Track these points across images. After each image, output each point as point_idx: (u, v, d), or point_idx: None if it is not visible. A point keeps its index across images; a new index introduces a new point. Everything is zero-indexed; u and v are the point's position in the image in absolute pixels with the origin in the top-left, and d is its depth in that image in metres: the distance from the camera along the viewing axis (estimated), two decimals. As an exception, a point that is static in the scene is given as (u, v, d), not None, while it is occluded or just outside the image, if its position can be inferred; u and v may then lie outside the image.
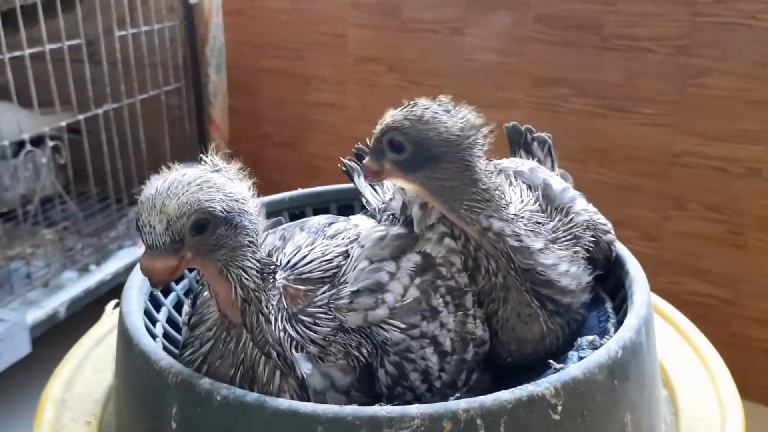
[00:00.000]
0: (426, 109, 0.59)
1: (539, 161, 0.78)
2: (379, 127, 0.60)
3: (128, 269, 1.77)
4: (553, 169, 0.78)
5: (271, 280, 0.53)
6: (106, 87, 1.78)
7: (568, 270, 0.62)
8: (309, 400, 0.53)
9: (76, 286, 1.67)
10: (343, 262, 0.58)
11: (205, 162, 0.53)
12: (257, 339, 0.52)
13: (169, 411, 0.51)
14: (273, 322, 0.52)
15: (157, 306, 0.67)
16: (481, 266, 0.61)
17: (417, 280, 0.58)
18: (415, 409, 0.46)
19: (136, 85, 1.86)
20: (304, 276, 0.57)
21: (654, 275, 1.79)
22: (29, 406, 1.61)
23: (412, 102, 0.60)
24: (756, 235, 1.66)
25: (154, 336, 0.62)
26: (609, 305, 0.65)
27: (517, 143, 0.80)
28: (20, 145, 1.65)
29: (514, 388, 0.48)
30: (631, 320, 0.56)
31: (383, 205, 0.66)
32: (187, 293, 0.71)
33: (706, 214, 1.71)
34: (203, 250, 0.49)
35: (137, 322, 0.57)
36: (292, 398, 0.52)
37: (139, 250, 1.84)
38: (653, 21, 1.66)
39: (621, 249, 0.69)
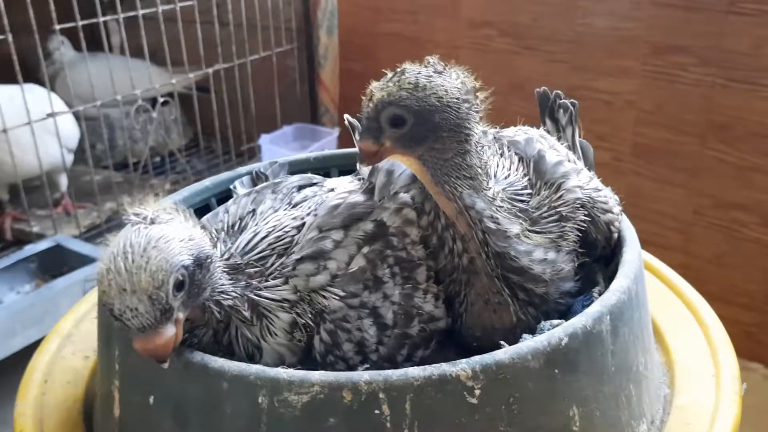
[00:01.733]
0: (418, 74, 0.54)
1: (562, 129, 0.72)
2: (370, 105, 0.55)
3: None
4: (573, 137, 0.72)
5: (240, 284, 0.53)
6: (215, 48, 1.86)
7: (544, 257, 0.57)
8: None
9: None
10: (297, 234, 0.57)
11: (134, 219, 0.51)
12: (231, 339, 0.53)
13: (114, 352, 0.53)
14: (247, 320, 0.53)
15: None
16: (445, 245, 0.57)
17: (365, 249, 0.56)
18: (316, 375, 0.45)
19: (247, 46, 1.93)
20: (258, 254, 0.56)
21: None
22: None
23: (399, 70, 0.56)
24: None
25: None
26: (597, 290, 0.59)
27: (545, 108, 0.74)
28: (152, 102, 1.79)
29: (426, 366, 0.45)
30: (593, 307, 0.51)
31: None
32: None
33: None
34: (189, 303, 0.48)
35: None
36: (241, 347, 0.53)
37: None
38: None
39: (626, 229, 0.62)
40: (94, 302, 0.76)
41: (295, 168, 0.82)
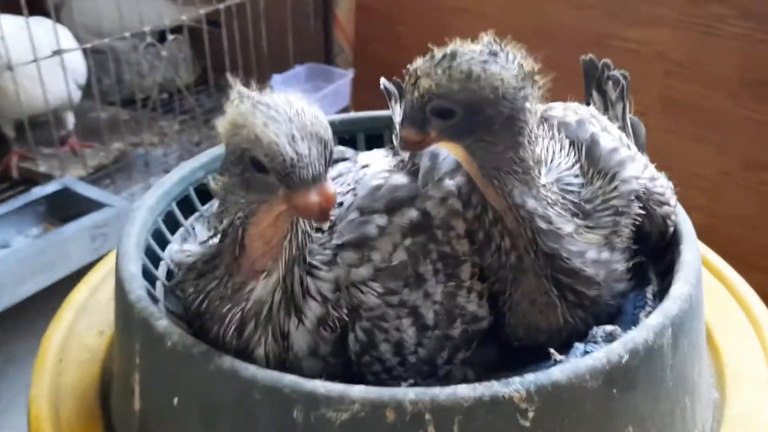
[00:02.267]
0: (470, 60, 0.48)
1: (611, 104, 0.66)
2: (415, 93, 0.49)
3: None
4: (624, 115, 0.66)
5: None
6: None
7: (597, 258, 0.52)
8: (287, 360, 0.49)
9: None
10: (335, 211, 0.52)
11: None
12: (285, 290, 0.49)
13: (134, 346, 0.50)
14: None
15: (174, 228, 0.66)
16: (492, 242, 0.52)
17: (407, 241, 0.51)
18: (357, 391, 0.42)
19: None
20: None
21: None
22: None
23: (450, 52, 0.49)
24: None
25: (158, 260, 0.61)
26: (651, 289, 0.55)
27: (591, 79, 0.68)
28: (160, 37, 1.71)
29: (476, 384, 0.42)
30: (655, 318, 0.47)
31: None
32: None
33: None
34: None
35: (130, 245, 0.56)
36: (267, 355, 0.49)
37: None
38: None
39: (683, 223, 0.58)
40: (107, 271, 0.72)
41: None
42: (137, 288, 0.51)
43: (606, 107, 0.67)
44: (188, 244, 0.55)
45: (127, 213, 1.38)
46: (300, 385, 0.42)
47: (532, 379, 0.42)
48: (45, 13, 1.56)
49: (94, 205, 1.41)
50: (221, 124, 0.46)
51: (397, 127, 0.64)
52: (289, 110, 0.44)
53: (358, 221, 0.52)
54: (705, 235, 1.69)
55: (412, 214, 0.52)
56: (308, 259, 0.49)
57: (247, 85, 0.48)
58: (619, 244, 0.54)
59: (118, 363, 0.55)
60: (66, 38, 1.55)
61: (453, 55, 0.49)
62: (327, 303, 0.49)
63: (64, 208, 1.46)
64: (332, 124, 0.77)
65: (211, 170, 0.70)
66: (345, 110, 2.07)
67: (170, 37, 1.79)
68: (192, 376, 0.46)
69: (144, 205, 0.62)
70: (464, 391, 0.41)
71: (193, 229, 0.62)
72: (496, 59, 0.49)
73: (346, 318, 0.49)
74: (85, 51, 1.60)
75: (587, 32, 1.81)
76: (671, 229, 0.57)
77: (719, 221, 1.74)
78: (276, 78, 1.93)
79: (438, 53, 0.50)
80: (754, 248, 1.71)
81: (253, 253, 0.48)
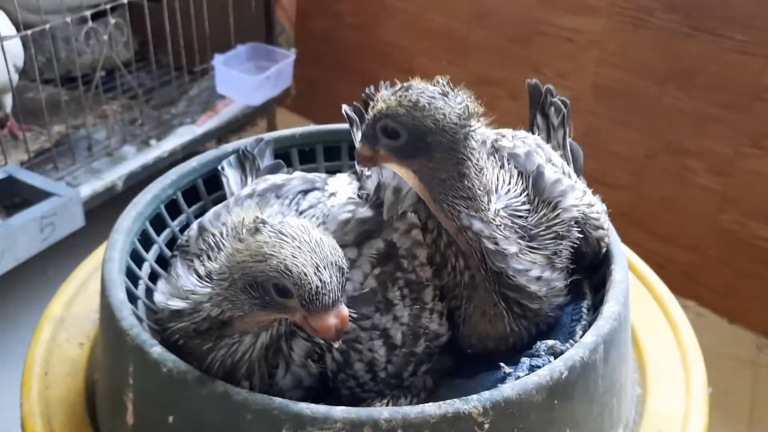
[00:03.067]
0: (421, 94, 0.55)
1: (553, 128, 0.73)
2: (371, 112, 0.56)
3: (185, 147, 1.82)
4: (564, 140, 0.73)
5: None
6: None
7: (540, 275, 0.60)
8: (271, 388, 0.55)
9: (134, 160, 1.73)
10: None
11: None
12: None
13: (128, 367, 0.54)
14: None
15: (150, 244, 0.70)
16: (448, 263, 0.59)
17: (376, 270, 0.57)
18: (339, 412, 0.48)
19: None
20: None
21: (718, 212, 1.72)
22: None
23: (407, 84, 0.57)
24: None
25: (137, 278, 0.65)
26: (586, 304, 0.63)
27: (535, 104, 0.75)
28: (98, 12, 1.67)
29: (441, 402, 0.49)
30: (589, 337, 0.55)
31: (365, 175, 0.65)
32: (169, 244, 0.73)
33: (785, 156, 1.59)
34: None
35: (113, 272, 0.60)
36: (253, 387, 0.54)
37: (198, 128, 1.89)
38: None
39: (614, 245, 0.65)
40: (79, 284, 0.76)
41: (281, 144, 0.82)
42: (127, 315, 0.56)
43: (548, 131, 0.74)
44: (172, 299, 0.57)
45: (74, 202, 1.39)
46: (288, 407, 0.48)
47: (487, 396, 0.49)
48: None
49: (39, 194, 1.41)
50: (238, 252, 0.49)
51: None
52: (310, 241, 0.48)
53: None
54: (630, 212, 1.82)
55: (380, 245, 0.58)
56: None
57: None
58: (559, 264, 0.62)
59: (106, 380, 0.60)
60: (3, 22, 1.51)
61: (408, 87, 0.56)
62: (311, 337, 0.55)
63: (8, 195, 1.45)
64: (293, 137, 0.82)
65: (179, 187, 0.74)
66: (288, 90, 2.09)
67: (110, 15, 1.76)
68: (187, 399, 0.51)
69: (121, 228, 0.66)
70: (431, 409, 0.48)
71: (172, 262, 0.64)
72: (444, 98, 0.56)
73: (326, 344, 0.55)
74: (17, 26, 1.56)
75: (521, 18, 1.88)
76: (604, 249, 0.65)
77: (642, 200, 1.86)
78: (218, 58, 1.93)
79: (398, 85, 0.57)
80: (673, 226, 1.84)
81: (239, 327, 0.52)
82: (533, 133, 0.74)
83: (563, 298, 0.62)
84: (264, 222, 0.50)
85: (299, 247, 0.48)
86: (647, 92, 1.75)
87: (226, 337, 0.52)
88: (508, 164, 0.63)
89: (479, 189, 0.57)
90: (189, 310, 0.54)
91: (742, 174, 1.68)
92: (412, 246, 0.59)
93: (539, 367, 0.54)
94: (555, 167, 0.65)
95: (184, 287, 0.55)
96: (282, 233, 0.48)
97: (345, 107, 0.75)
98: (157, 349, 0.52)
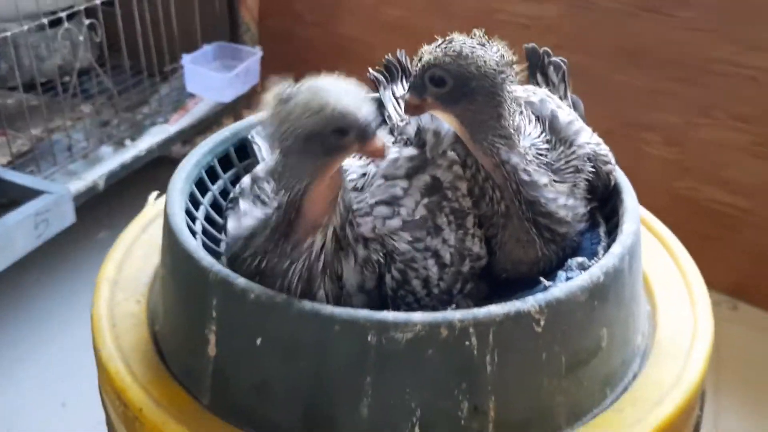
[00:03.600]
0: (463, 44, 0.63)
1: (553, 86, 0.82)
2: (419, 64, 0.64)
3: (161, 146, 1.85)
4: (565, 95, 0.82)
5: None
6: None
7: (566, 203, 0.68)
8: (341, 296, 0.62)
9: (112, 160, 1.75)
10: (361, 180, 0.65)
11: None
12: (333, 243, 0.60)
13: (210, 302, 0.60)
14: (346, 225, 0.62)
15: (196, 204, 0.75)
16: (486, 194, 0.67)
17: (425, 200, 0.65)
18: (418, 316, 0.55)
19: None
20: None
21: (674, 180, 1.84)
22: (76, 269, 1.74)
23: (449, 38, 0.64)
24: (782, 147, 1.68)
25: (194, 232, 0.70)
26: (602, 229, 0.72)
27: (535, 65, 0.84)
28: (58, 18, 1.69)
29: (504, 303, 0.56)
30: (617, 248, 0.63)
31: (401, 124, 0.72)
32: (222, 193, 0.79)
33: (733, 124, 1.73)
34: None
35: (181, 223, 0.65)
36: (327, 294, 0.61)
37: (171, 127, 1.92)
38: None
39: (620, 177, 0.74)
40: (124, 250, 0.80)
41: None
42: (205, 255, 0.61)
43: (553, 87, 0.82)
44: (244, 218, 0.64)
45: (66, 199, 1.41)
46: (372, 315, 0.55)
47: (542, 297, 0.57)
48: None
49: (29, 193, 1.43)
50: (289, 114, 0.56)
51: (389, 109, 0.76)
52: (342, 87, 0.57)
53: (385, 185, 0.65)
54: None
55: (426, 178, 0.66)
56: (351, 214, 0.62)
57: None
58: (579, 194, 0.70)
59: (181, 322, 0.65)
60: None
61: (451, 41, 0.64)
62: (368, 247, 0.63)
63: (-4, 195, 1.46)
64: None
65: (216, 154, 0.80)
66: (255, 88, 2.14)
67: (64, 20, 1.76)
68: (275, 321, 0.57)
69: (175, 188, 0.71)
70: (496, 309, 0.56)
71: (234, 206, 0.70)
72: (483, 47, 0.64)
73: (383, 261, 0.62)
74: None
75: (478, 7, 1.98)
76: (612, 182, 0.74)
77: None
78: (186, 57, 1.97)
79: (440, 40, 0.64)
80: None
81: (311, 213, 0.59)
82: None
83: (584, 224, 0.71)
84: (291, 88, 0.57)
85: (339, 93, 0.56)
86: (602, 72, 1.87)
87: (299, 245, 0.59)
88: (526, 110, 0.71)
89: (513, 129, 0.65)
90: (262, 224, 0.61)
91: (694, 143, 1.81)
92: (453, 179, 0.67)
93: (572, 279, 0.62)
94: (566, 111, 0.73)
95: (253, 212, 0.63)
96: (317, 88, 0.57)
97: (371, 71, 0.81)
98: (241, 281, 0.58)
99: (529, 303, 0.56)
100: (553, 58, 0.83)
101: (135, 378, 0.64)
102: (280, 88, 0.58)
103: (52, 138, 1.72)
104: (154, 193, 0.88)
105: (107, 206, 1.78)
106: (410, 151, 0.68)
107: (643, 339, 0.70)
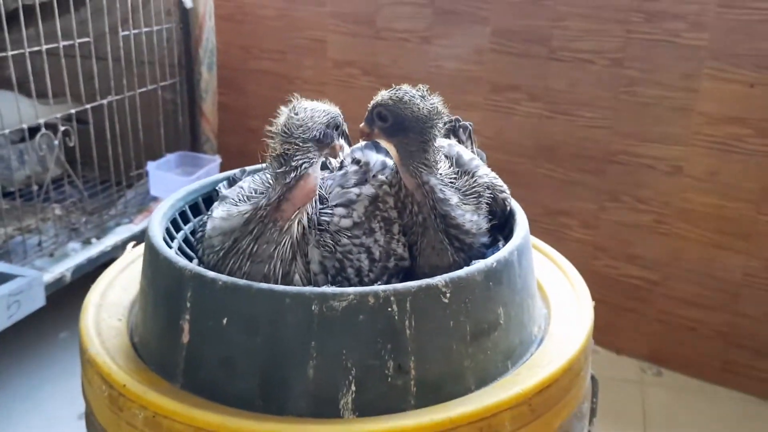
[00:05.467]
0: (406, 93, 0.84)
1: (461, 142, 1.02)
2: (372, 102, 0.84)
3: (125, 242, 1.98)
4: (472, 148, 1.02)
5: None
6: (108, 81, 2.00)
7: (471, 218, 0.86)
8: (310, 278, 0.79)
9: (79, 255, 1.89)
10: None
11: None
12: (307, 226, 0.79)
13: (185, 295, 0.74)
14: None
15: (172, 238, 0.91)
16: (407, 208, 0.86)
17: (368, 207, 0.84)
18: (351, 288, 0.70)
19: (136, 79, 2.09)
20: None
21: (592, 259, 2.06)
22: (44, 350, 1.82)
23: (398, 87, 0.85)
24: (678, 224, 1.92)
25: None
26: (501, 244, 0.89)
27: (448, 129, 1.04)
28: (30, 131, 1.86)
29: (418, 280, 0.72)
30: (509, 246, 0.80)
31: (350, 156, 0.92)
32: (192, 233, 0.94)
33: (637, 206, 1.97)
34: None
35: (160, 239, 0.81)
36: (300, 277, 0.79)
37: (135, 227, 2.07)
38: (593, 36, 1.92)
39: (514, 205, 0.93)
40: (107, 281, 0.94)
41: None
42: (180, 259, 0.76)
43: (463, 145, 1.03)
44: (230, 207, 0.81)
45: (38, 282, 1.53)
46: (315, 289, 0.70)
47: (447, 275, 0.73)
48: None
49: (3, 277, 1.54)
50: (305, 116, 0.78)
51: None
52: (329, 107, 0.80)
53: (342, 192, 0.85)
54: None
55: (370, 189, 0.86)
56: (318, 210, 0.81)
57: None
58: (481, 213, 0.88)
59: (157, 320, 0.79)
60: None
61: (399, 89, 0.85)
62: (323, 236, 0.81)
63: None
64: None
65: (187, 201, 0.96)
66: (214, 192, 2.32)
67: (42, 132, 1.94)
68: (239, 301, 0.71)
69: (155, 220, 0.86)
70: (412, 284, 0.72)
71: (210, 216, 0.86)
72: (422, 98, 0.84)
73: (330, 249, 0.80)
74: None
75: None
76: (508, 208, 0.93)
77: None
78: (150, 164, 2.16)
79: (393, 87, 0.85)
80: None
81: (299, 196, 0.77)
82: None
83: (486, 238, 0.88)
84: (293, 103, 0.80)
85: (307, 107, 0.80)
86: (524, 167, 2.12)
87: (283, 228, 0.77)
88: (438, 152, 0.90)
89: (434, 160, 0.84)
90: (254, 211, 0.79)
91: (606, 224, 2.04)
92: (384, 195, 0.86)
93: (475, 267, 0.79)
94: (470, 153, 0.93)
95: (239, 195, 0.82)
96: (312, 103, 0.81)
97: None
98: (211, 273, 0.73)
99: (437, 279, 0.73)
100: (462, 123, 1.04)
101: (119, 366, 0.76)
102: (288, 106, 0.80)
103: (24, 236, 1.85)
104: (132, 242, 1.03)
105: (75, 297, 1.88)
106: (355, 167, 0.88)
107: (539, 331, 0.86)
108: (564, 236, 2.11)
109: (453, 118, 1.06)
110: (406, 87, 0.84)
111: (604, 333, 2.10)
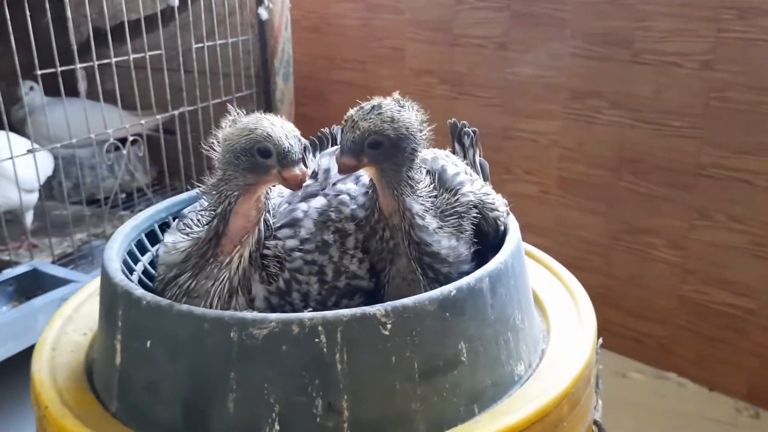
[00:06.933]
0: (391, 109, 0.72)
1: (465, 150, 0.92)
2: (357, 132, 0.71)
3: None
4: (474, 157, 0.91)
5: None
6: (193, 92, 2.06)
7: (449, 244, 0.76)
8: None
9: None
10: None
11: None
12: (248, 262, 0.71)
13: (118, 313, 0.70)
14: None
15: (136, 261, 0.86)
16: (376, 233, 0.76)
17: (317, 219, 0.76)
18: (273, 315, 0.63)
19: (210, 91, 2.12)
20: None
21: (680, 283, 1.86)
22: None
23: (376, 104, 0.73)
24: (779, 247, 1.68)
25: (131, 271, 0.81)
26: (490, 268, 0.78)
27: (453, 135, 0.94)
28: (117, 143, 1.94)
29: (354, 308, 0.63)
30: (478, 272, 0.70)
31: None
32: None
33: (731, 225, 1.75)
34: None
35: (113, 251, 0.77)
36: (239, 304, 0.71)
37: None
38: (680, 37, 1.73)
39: (511, 223, 0.81)
40: (90, 292, 0.91)
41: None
42: (119, 274, 0.72)
43: (464, 153, 0.92)
44: (176, 237, 0.75)
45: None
46: (235, 315, 0.63)
47: (389, 304, 0.64)
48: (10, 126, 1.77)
49: (60, 282, 1.59)
50: (228, 136, 0.69)
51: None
52: (277, 121, 0.70)
53: (288, 209, 0.77)
54: (603, 293, 1.98)
55: (321, 200, 0.77)
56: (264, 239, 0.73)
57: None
58: (464, 238, 0.77)
59: (101, 338, 0.75)
60: (21, 145, 1.76)
61: (379, 106, 0.73)
62: (269, 263, 0.73)
63: (33, 287, 1.63)
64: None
65: (143, 229, 0.90)
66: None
67: (131, 140, 2.02)
68: (161, 322, 0.66)
69: (121, 231, 0.83)
70: (344, 311, 0.63)
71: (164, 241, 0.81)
72: (404, 109, 0.74)
73: (278, 272, 0.72)
74: (55, 155, 1.82)
75: (491, 126, 2.12)
76: (502, 228, 0.81)
77: (612, 281, 2.00)
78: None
79: (366, 106, 0.74)
80: (643, 302, 1.96)
81: (235, 228, 0.70)
82: None
83: (468, 266, 0.77)
84: (235, 119, 0.70)
85: (272, 123, 0.68)
86: (605, 180, 1.95)
87: (223, 263, 0.70)
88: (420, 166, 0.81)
89: (418, 179, 0.75)
90: (194, 244, 0.72)
91: (696, 245, 1.83)
92: (339, 204, 0.78)
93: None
94: (456, 167, 0.82)
95: (183, 229, 0.75)
96: (257, 117, 0.69)
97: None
98: (139, 290, 0.68)
99: (375, 308, 0.63)
100: (466, 129, 0.93)
101: (54, 385, 0.73)
102: (231, 116, 0.72)
103: (93, 243, 1.91)
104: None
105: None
106: (309, 180, 0.79)
107: (529, 369, 0.74)
108: (648, 257, 1.92)
109: (460, 124, 0.95)
110: (383, 100, 0.74)
111: (694, 366, 1.89)
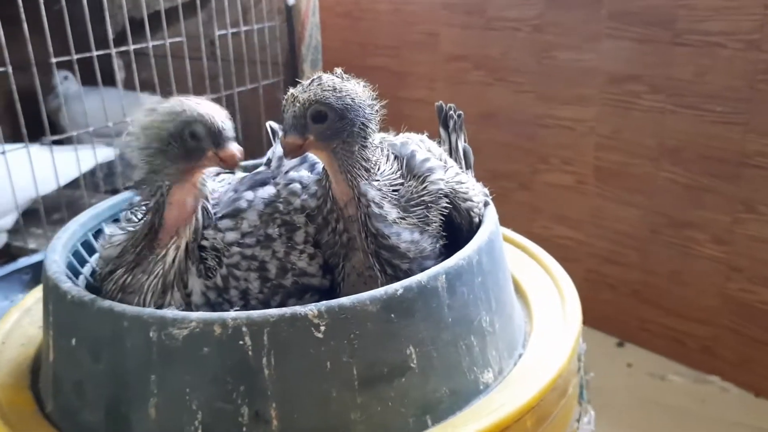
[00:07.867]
0: (333, 79, 0.66)
1: (448, 133, 0.84)
2: (297, 105, 0.65)
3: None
4: (457, 142, 0.83)
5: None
6: (229, 77, 2.04)
7: (411, 238, 0.68)
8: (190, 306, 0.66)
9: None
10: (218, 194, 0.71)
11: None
12: (184, 254, 0.66)
13: (49, 308, 0.65)
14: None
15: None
16: (329, 225, 0.69)
17: (263, 210, 0.69)
18: (194, 314, 0.57)
19: (236, 79, 2.09)
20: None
21: (725, 281, 1.73)
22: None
23: (316, 77, 0.67)
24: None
25: (84, 263, 0.77)
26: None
27: (440, 119, 0.87)
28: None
29: (284, 308, 0.57)
30: (433, 270, 0.62)
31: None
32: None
33: (780, 219, 1.61)
34: None
35: (55, 246, 0.72)
36: (176, 308, 0.65)
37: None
38: (724, 15, 1.60)
39: (488, 215, 0.73)
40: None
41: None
42: (54, 268, 0.67)
43: (449, 137, 0.85)
44: (113, 230, 0.70)
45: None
46: (155, 313, 0.58)
47: (323, 303, 0.57)
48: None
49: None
50: (150, 122, 0.63)
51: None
52: (202, 101, 0.64)
53: (232, 198, 0.70)
54: (641, 290, 1.84)
55: (270, 189, 0.71)
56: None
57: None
58: (429, 230, 0.70)
59: (43, 333, 0.71)
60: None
61: (319, 78, 0.67)
62: (207, 256, 0.67)
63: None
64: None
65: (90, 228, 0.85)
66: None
67: None
68: (84, 318, 0.61)
69: (76, 221, 0.79)
70: (272, 311, 0.57)
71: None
72: (349, 81, 0.67)
73: (216, 266, 0.66)
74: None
75: (525, 113, 2.02)
76: (476, 219, 0.73)
77: (651, 277, 1.87)
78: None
79: (305, 81, 0.67)
80: (684, 300, 1.83)
81: (172, 219, 0.65)
82: (439, 144, 0.85)
83: (433, 262, 0.69)
84: (153, 107, 0.64)
85: (199, 104, 0.63)
86: (643, 170, 1.83)
87: (156, 258, 0.65)
88: (385, 151, 0.73)
89: (374, 163, 0.68)
90: (131, 238, 0.67)
91: (742, 240, 1.69)
92: (288, 195, 0.71)
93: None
94: (429, 153, 0.75)
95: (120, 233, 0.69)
96: (179, 100, 0.63)
97: (269, 123, 0.88)
98: (67, 284, 0.63)
99: (307, 307, 0.57)
100: (451, 112, 0.86)
101: (-8, 381, 0.69)
102: (148, 104, 0.66)
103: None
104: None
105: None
106: (261, 168, 0.74)
107: (498, 377, 0.67)
108: (691, 252, 1.78)
109: (446, 107, 0.88)
110: (324, 75, 0.67)
111: (738, 369, 1.75)
